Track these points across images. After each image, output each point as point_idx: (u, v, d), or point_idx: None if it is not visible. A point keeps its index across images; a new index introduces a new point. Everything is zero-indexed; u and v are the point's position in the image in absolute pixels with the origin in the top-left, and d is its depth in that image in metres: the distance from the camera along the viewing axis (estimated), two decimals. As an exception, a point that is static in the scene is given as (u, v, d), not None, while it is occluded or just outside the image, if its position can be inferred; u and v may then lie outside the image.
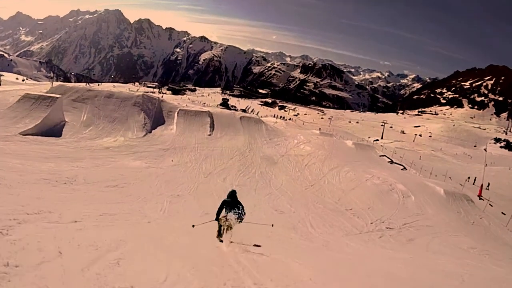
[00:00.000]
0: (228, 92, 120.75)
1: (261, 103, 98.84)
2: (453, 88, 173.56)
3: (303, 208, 12.47)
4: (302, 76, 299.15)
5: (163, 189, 11.42)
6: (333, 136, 32.10)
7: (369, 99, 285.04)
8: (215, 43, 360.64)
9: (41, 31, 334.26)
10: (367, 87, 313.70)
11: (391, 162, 26.02)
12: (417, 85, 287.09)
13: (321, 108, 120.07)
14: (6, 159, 10.07)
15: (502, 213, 17.69)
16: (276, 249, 6.09)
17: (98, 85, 71.58)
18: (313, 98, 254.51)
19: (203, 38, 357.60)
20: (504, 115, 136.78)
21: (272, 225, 7.12)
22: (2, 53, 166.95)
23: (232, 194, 6.07)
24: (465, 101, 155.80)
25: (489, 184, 24.78)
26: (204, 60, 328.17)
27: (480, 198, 20.35)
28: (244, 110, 66.52)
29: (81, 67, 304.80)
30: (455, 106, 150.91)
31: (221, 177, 15.04)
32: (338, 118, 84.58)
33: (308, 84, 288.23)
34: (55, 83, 36.12)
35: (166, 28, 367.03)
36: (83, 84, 47.04)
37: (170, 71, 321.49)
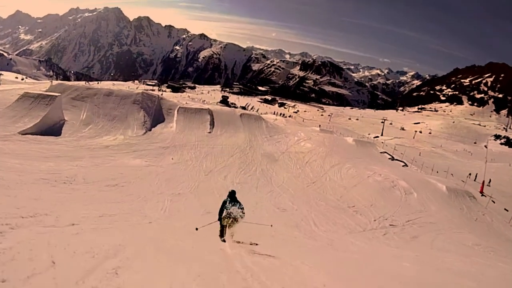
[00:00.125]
0: (227, 89, 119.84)
1: (260, 100, 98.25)
2: (453, 85, 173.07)
3: (305, 205, 12.39)
4: (301, 73, 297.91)
5: (164, 188, 11.30)
6: (333, 133, 32.03)
7: (368, 96, 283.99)
8: (215, 40, 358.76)
9: (40, 30, 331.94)
10: (367, 84, 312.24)
11: (392, 158, 25.96)
12: (417, 82, 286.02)
13: (321, 105, 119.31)
14: (5, 159, 9.93)
15: (505, 209, 17.62)
16: (281, 249, 5.96)
17: (98, 83, 71.53)
18: (313, 95, 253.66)
19: (202, 36, 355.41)
20: (504, 112, 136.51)
21: (271, 226, 6.98)
22: (2, 52, 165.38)
23: (232, 194, 6.12)
24: (464, 98, 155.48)
25: (490, 180, 24.70)
26: (203, 57, 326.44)
27: (482, 195, 20.27)
28: (244, 107, 66.27)
29: (81, 65, 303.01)
30: (454, 103, 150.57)
31: (222, 175, 14.96)
32: (337, 115, 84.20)
33: (307, 81, 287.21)
34: (55, 82, 35.86)
35: (166, 25, 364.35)
36: (82, 83, 46.72)
37: (169, 69, 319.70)
